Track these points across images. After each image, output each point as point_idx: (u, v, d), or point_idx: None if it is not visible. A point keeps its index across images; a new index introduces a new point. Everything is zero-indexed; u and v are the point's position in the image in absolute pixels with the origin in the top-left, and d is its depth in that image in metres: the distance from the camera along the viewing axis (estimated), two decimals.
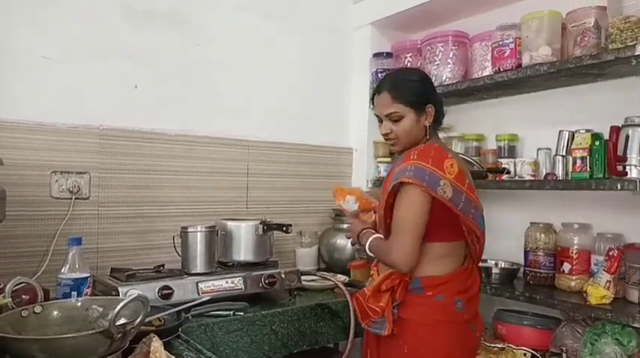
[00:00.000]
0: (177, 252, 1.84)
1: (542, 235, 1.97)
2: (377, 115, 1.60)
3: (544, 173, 1.98)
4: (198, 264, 1.80)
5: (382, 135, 1.59)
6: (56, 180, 1.85)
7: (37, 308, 1.11)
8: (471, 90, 2.19)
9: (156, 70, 2.07)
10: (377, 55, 2.53)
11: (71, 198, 1.86)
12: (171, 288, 1.63)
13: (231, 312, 1.67)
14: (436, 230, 1.46)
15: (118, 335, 0.98)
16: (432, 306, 1.47)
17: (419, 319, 1.47)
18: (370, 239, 1.56)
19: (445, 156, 1.48)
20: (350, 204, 1.79)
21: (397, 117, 1.52)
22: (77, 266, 1.41)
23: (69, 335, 1.00)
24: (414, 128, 1.53)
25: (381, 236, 1.56)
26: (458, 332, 1.50)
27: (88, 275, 1.43)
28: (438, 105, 1.57)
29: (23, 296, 1.31)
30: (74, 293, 1.38)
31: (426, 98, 1.53)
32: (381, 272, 1.55)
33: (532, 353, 1.86)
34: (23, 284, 1.31)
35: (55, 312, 1.14)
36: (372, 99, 1.62)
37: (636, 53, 1.57)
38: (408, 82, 1.55)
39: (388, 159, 2.47)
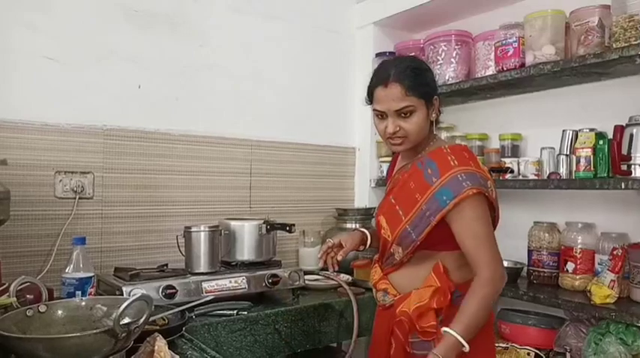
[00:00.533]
0: (180, 251, 1.84)
1: (546, 234, 1.97)
2: (379, 111, 1.38)
3: (548, 172, 1.97)
4: (202, 264, 1.80)
5: (386, 133, 1.37)
6: (60, 180, 1.85)
7: (42, 308, 1.12)
8: (475, 90, 2.19)
9: (159, 70, 2.07)
10: (380, 55, 2.53)
11: (75, 198, 1.87)
12: (174, 288, 1.64)
13: (235, 312, 1.67)
14: None
15: (123, 335, 0.98)
16: None
17: None
18: (461, 319, 1.25)
19: (476, 157, 1.38)
20: None
21: (409, 112, 1.34)
22: (81, 265, 1.42)
23: (73, 335, 1.01)
24: (424, 123, 1.36)
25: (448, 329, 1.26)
26: (492, 333, 1.45)
27: (92, 274, 1.43)
28: (439, 98, 1.42)
29: (27, 296, 1.31)
30: (78, 292, 1.38)
31: (432, 90, 1.38)
32: (396, 276, 1.41)
33: (536, 353, 1.86)
34: (27, 284, 1.31)
35: (60, 312, 1.14)
36: (371, 92, 1.40)
37: None
38: (419, 70, 1.37)
39: (390, 159, 2.46)
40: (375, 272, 1.51)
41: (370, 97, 1.42)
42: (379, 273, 1.48)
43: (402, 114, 1.34)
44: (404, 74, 1.33)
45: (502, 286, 1.30)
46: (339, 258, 1.49)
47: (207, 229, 1.82)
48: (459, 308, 1.28)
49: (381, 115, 1.39)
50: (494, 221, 1.40)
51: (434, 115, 1.39)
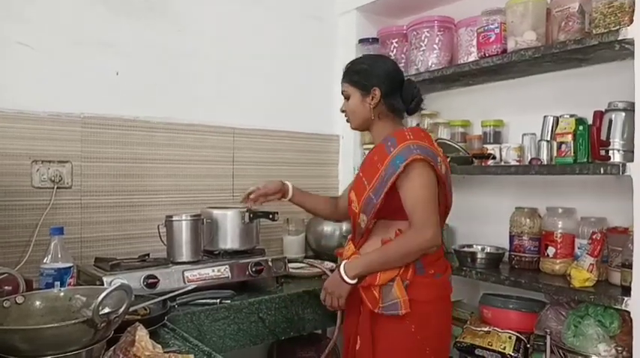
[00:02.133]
0: (162, 241, 1.82)
1: (527, 220, 1.99)
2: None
3: (529, 158, 1.99)
4: (184, 253, 1.78)
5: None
6: (37, 170, 1.81)
7: (19, 299, 1.10)
8: (457, 76, 2.19)
9: (137, 57, 2.03)
10: (363, 41, 2.51)
11: (53, 188, 1.83)
12: (156, 277, 1.62)
13: (218, 300, 1.67)
14: None
15: (102, 325, 0.97)
16: (435, 284, 1.56)
17: (425, 298, 1.51)
18: (362, 256, 1.56)
19: (432, 139, 1.62)
20: None
21: (346, 96, 1.66)
22: (59, 256, 1.40)
23: (52, 325, 0.99)
24: (358, 107, 1.64)
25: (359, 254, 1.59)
26: (450, 305, 1.67)
27: (70, 265, 1.41)
28: (390, 91, 1.61)
29: (5, 287, 1.29)
30: (57, 283, 1.36)
31: (371, 81, 1.61)
32: (366, 249, 1.59)
33: (517, 336, 1.89)
34: (5, 275, 1.29)
35: (38, 302, 1.12)
36: None
37: (619, 38, 1.58)
38: (358, 64, 1.67)
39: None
40: (348, 249, 1.65)
41: None
42: (352, 249, 1.63)
43: (345, 97, 1.67)
44: (349, 66, 1.67)
45: (426, 247, 1.49)
46: (253, 196, 1.80)
47: (188, 218, 1.81)
48: (381, 244, 1.53)
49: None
50: (445, 200, 1.59)
51: (371, 104, 1.61)
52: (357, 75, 1.64)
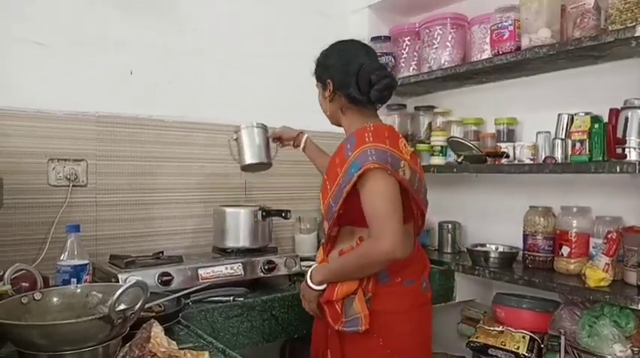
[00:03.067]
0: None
1: (541, 219, 1.97)
2: None
3: (543, 156, 1.97)
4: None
5: None
6: (53, 168, 1.84)
7: (37, 295, 1.11)
8: (470, 74, 2.18)
9: (151, 56, 2.05)
10: (375, 39, 2.50)
11: (69, 186, 1.86)
12: (170, 275, 1.64)
13: (231, 298, 1.68)
14: None
15: (118, 321, 0.98)
16: (403, 293, 1.45)
17: (392, 308, 1.41)
18: (326, 266, 1.47)
19: (398, 136, 1.47)
20: None
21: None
22: (76, 253, 1.41)
23: (69, 321, 1.00)
24: (322, 102, 1.58)
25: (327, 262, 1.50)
26: (426, 313, 1.53)
27: (86, 262, 1.42)
28: (342, 79, 1.47)
29: (23, 284, 1.30)
30: (73, 280, 1.37)
31: (325, 72, 1.53)
32: (333, 255, 1.49)
33: (531, 336, 1.88)
34: (23, 272, 1.31)
35: (55, 299, 1.14)
36: None
37: (636, 34, 1.56)
38: (322, 54, 1.56)
39: None
40: (319, 254, 1.59)
41: None
42: (321, 255, 1.56)
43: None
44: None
45: (385, 260, 1.35)
46: (269, 134, 1.86)
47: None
48: (341, 253, 1.44)
49: None
50: (417, 205, 1.46)
51: (327, 97, 1.52)
52: (316, 67, 1.56)
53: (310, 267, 2.10)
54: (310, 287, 1.47)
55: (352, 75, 1.46)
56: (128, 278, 1.51)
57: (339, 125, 1.58)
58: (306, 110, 2.49)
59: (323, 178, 1.54)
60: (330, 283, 1.44)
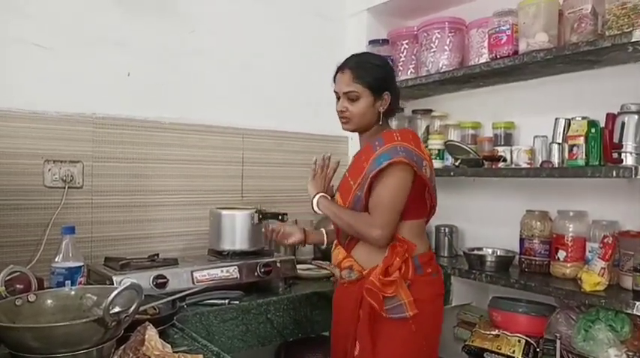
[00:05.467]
0: None
1: (538, 223, 1.97)
2: (335, 92, 1.63)
3: (540, 161, 1.98)
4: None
5: (337, 111, 1.61)
6: (49, 169, 1.83)
7: (31, 297, 1.10)
8: (468, 78, 2.18)
9: (148, 57, 2.04)
10: (373, 42, 2.51)
11: (64, 187, 1.85)
12: (165, 277, 1.63)
13: (227, 301, 1.67)
14: (418, 207, 1.55)
15: (112, 324, 0.97)
16: (433, 283, 1.57)
17: (425, 297, 1.51)
18: (337, 206, 1.58)
19: (419, 139, 1.60)
20: None
21: (354, 97, 1.56)
22: (71, 255, 1.41)
23: (63, 324, 1.00)
24: (368, 111, 1.57)
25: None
26: (442, 303, 1.65)
27: (81, 264, 1.42)
28: (395, 95, 1.60)
29: (17, 286, 1.29)
30: (68, 282, 1.37)
31: (385, 85, 1.57)
32: (358, 251, 1.57)
33: (526, 340, 1.88)
34: (17, 274, 1.30)
35: (49, 301, 1.13)
36: (335, 75, 1.63)
37: (633, 40, 1.57)
38: (372, 65, 1.59)
39: None
40: (338, 253, 1.62)
41: (334, 80, 1.65)
42: (343, 253, 1.60)
43: (350, 98, 1.57)
44: (357, 65, 1.58)
45: (368, 241, 1.50)
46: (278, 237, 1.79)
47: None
48: (354, 211, 1.53)
49: (337, 95, 1.62)
50: (431, 201, 1.59)
51: (381, 108, 1.57)
52: (372, 78, 1.56)
53: (306, 270, 2.12)
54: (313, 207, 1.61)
55: (395, 91, 1.61)
56: (123, 281, 1.50)
57: (362, 131, 1.63)
58: (304, 111, 2.51)
59: (344, 178, 1.63)
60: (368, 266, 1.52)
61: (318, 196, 1.61)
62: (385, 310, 1.47)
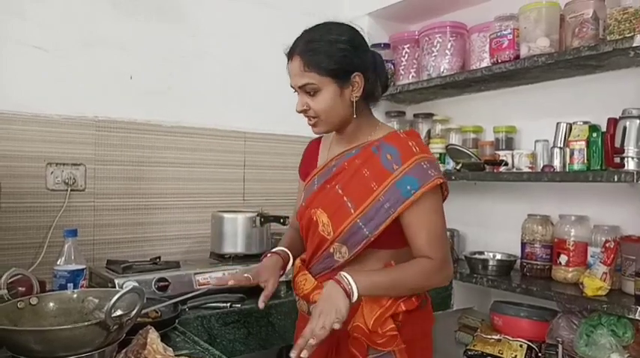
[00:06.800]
0: None
1: (540, 227, 1.97)
2: (292, 86, 1.26)
3: (541, 165, 1.98)
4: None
5: (297, 112, 1.26)
6: (51, 172, 1.84)
7: (33, 300, 1.11)
8: (469, 82, 2.19)
9: (151, 60, 2.05)
10: (374, 46, 2.49)
11: (67, 190, 1.85)
12: (167, 280, 1.63)
13: (228, 304, 1.67)
14: None
15: (114, 327, 0.97)
16: (427, 316, 1.29)
17: (417, 335, 1.24)
18: (380, 276, 1.17)
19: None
20: None
21: (312, 90, 1.20)
22: (73, 258, 1.41)
23: (65, 327, 1.00)
24: (337, 104, 1.20)
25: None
26: (432, 341, 1.34)
27: (83, 267, 1.42)
28: (373, 73, 1.23)
29: (19, 288, 1.30)
30: (70, 285, 1.37)
31: (351, 64, 1.19)
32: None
33: (528, 345, 1.87)
34: (19, 276, 1.30)
35: (51, 304, 1.13)
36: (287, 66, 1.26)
37: (634, 44, 1.57)
38: (326, 42, 1.19)
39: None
40: (305, 281, 1.29)
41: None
42: (311, 282, 1.27)
43: (307, 92, 1.21)
44: (307, 46, 1.19)
45: (438, 284, 1.20)
46: (262, 305, 1.29)
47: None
48: (401, 267, 1.17)
49: (294, 91, 1.25)
50: None
51: (354, 96, 1.21)
52: (329, 59, 1.17)
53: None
54: (349, 297, 1.09)
55: (371, 66, 1.23)
56: (125, 284, 1.50)
57: (340, 129, 1.28)
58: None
59: (328, 190, 1.26)
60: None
61: (352, 280, 1.10)
62: None
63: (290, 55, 1.23)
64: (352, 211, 1.20)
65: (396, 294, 1.18)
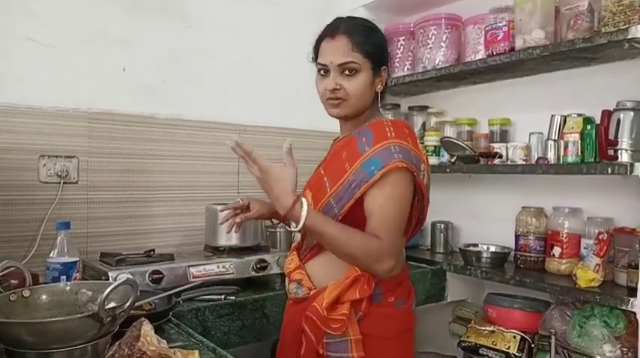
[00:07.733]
0: None
1: (533, 219, 1.98)
2: (322, 65, 1.25)
3: (536, 157, 1.98)
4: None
5: (325, 91, 1.24)
6: (44, 164, 1.82)
7: (26, 293, 1.10)
8: (464, 74, 2.18)
9: (145, 53, 2.03)
10: None
11: (60, 183, 1.84)
12: (161, 273, 1.62)
13: (223, 296, 1.67)
14: None
15: (108, 319, 0.97)
16: (394, 315, 1.25)
17: (383, 332, 1.22)
18: (333, 223, 1.17)
19: (417, 137, 1.29)
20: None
21: (352, 70, 1.21)
22: (66, 250, 1.40)
23: (58, 319, 0.99)
24: (367, 90, 1.24)
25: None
26: (411, 340, 1.31)
27: (76, 259, 1.41)
28: (390, 69, 1.32)
29: (12, 281, 1.29)
30: (63, 277, 1.36)
31: (384, 57, 1.26)
32: (314, 264, 1.26)
33: (522, 336, 1.89)
34: (12, 269, 1.29)
35: (44, 296, 1.12)
36: (317, 46, 1.28)
37: (629, 37, 1.57)
38: (369, 29, 1.25)
39: None
40: (291, 261, 1.34)
41: (316, 53, 1.29)
42: (295, 262, 1.32)
43: (346, 72, 1.22)
44: (355, 29, 1.23)
45: (377, 275, 1.18)
46: (238, 219, 1.40)
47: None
48: (355, 231, 1.16)
49: (324, 71, 1.25)
50: (421, 215, 1.30)
51: (380, 86, 1.27)
52: (373, 46, 1.22)
53: None
54: (294, 214, 1.14)
55: (389, 65, 1.31)
56: (118, 276, 1.49)
57: (352, 117, 1.29)
58: (302, 107, 2.49)
59: (317, 172, 1.32)
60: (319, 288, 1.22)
61: (305, 205, 1.15)
62: (324, 344, 1.19)
63: (332, 33, 1.24)
64: (328, 190, 1.24)
65: (332, 249, 1.19)
